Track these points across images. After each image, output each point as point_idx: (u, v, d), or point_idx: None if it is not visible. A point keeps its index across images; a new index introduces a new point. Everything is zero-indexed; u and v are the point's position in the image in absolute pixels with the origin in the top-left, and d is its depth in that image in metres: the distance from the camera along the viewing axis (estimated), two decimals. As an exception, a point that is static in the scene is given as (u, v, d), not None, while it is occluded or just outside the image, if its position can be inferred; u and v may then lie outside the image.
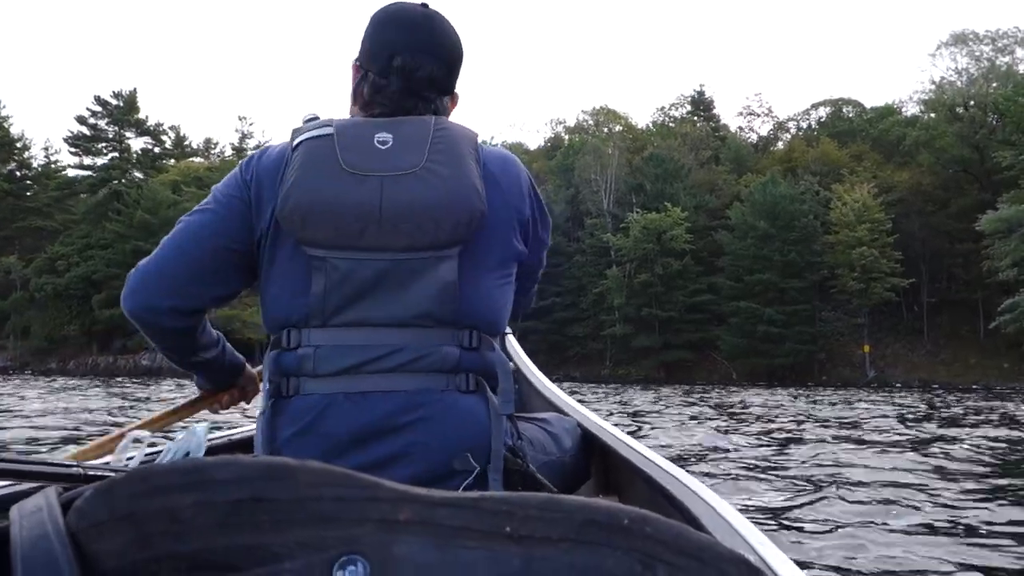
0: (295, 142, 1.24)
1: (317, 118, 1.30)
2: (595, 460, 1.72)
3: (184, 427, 1.29)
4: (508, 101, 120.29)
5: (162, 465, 0.46)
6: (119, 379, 31.84)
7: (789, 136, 55.97)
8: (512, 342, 2.51)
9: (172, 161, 54.82)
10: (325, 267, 1.19)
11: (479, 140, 1.30)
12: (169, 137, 57.89)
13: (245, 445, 1.82)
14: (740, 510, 1.07)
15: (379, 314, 1.19)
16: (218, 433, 1.88)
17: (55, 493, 0.50)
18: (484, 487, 1.18)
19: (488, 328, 1.26)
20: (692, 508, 1.08)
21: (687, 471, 1.30)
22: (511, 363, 1.34)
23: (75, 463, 0.97)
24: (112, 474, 0.78)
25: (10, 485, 1.11)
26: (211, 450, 1.58)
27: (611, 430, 1.72)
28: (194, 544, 0.44)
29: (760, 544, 0.89)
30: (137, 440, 1.25)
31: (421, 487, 0.47)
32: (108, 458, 1.32)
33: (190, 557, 0.44)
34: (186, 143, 58.34)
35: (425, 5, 1.36)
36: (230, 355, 1.56)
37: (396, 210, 1.16)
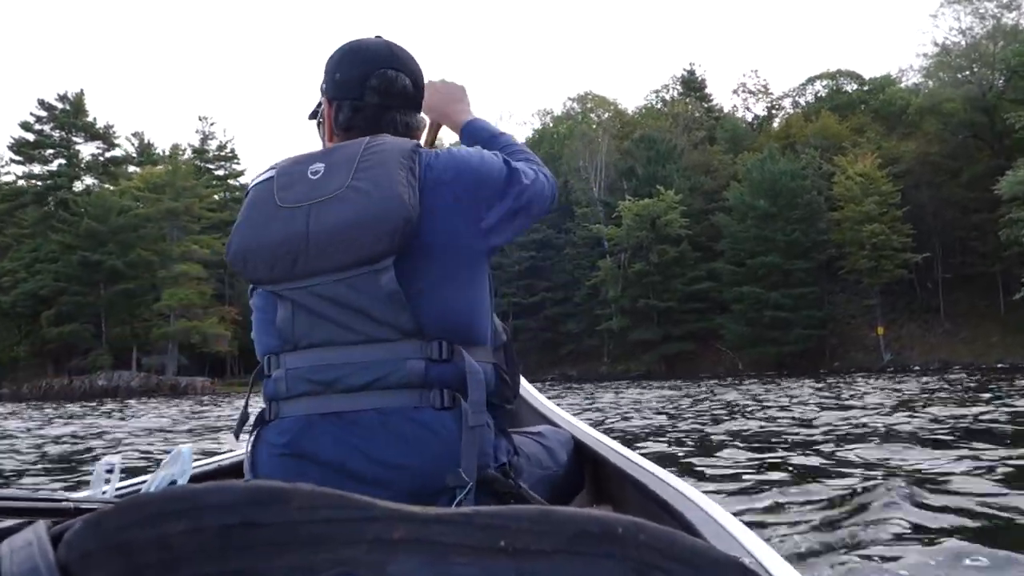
0: (247, 191, 1.35)
1: None
2: (588, 470, 1.77)
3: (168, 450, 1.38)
4: (494, 94, 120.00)
5: (151, 494, 0.47)
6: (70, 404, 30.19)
7: (786, 113, 55.38)
8: None
9: (136, 169, 53.05)
10: (282, 298, 1.28)
11: (416, 150, 1.33)
12: (132, 144, 56.42)
13: (235, 471, 1.85)
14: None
15: (341, 334, 1.26)
16: (207, 459, 1.91)
17: (45, 527, 0.50)
18: (475, 503, 1.21)
19: (460, 336, 1.28)
20: (686, 513, 1.11)
21: (680, 477, 1.35)
22: (481, 371, 1.29)
23: (64, 497, 1.02)
24: (101, 506, 0.82)
25: None
26: (201, 477, 1.64)
27: (604, 440, 1.78)
28: (185, 572, 0.44)
29: (755, 547, 0.92)
30: (109, 469, 1.28)
31: (412, 505, 0.48)
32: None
33: None
34: (153, 150, 56.60)
35: (379, 37, 1.51)
36: None
37: (321, 235, 1.23)
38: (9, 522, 1.07)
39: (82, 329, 44.92)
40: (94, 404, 24.61)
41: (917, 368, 33.53)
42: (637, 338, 42.47)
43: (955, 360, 35.12)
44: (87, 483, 1.37)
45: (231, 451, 2.06)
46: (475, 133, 1.66)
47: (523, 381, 2.49)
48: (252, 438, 1.31)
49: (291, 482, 0.48)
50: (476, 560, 0.45)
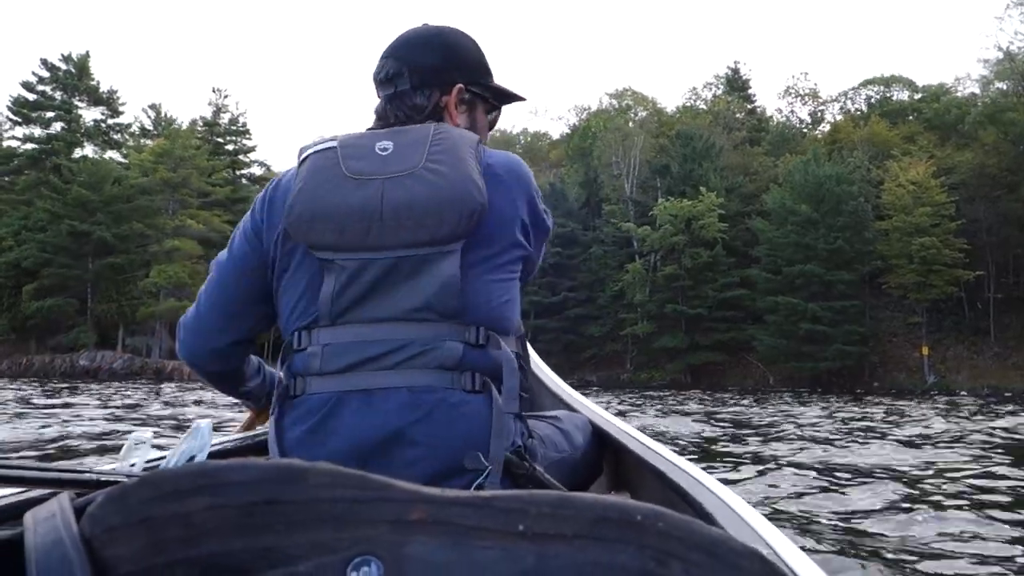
0: (301, 157, 1.42)
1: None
2: (606, 457, 1.85)
3: (187, 425, 1.45)
4: (531, 88, 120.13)
5: (174, 469, 0.49)
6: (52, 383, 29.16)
7: (833, 117, 54.88)
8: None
9: (148, 142, 52.23)
10: (334, 268, 1.32)
11: (479, 144, 1.43)
12: (148, 116, 55.90)
13: (256, 449, 1.92)
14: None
15: (385, 311, 1.31)
16: (228, 436, 1.96)
17: (68, 499, 0.53)
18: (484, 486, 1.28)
19: (495, 325, 1.36)
20: (704, 503, 1.16)
21: (699, 466, 1.40)
22: (517, 361, 1.40)
23: (87, 469, 1.08)
24: (125, 479, 0.87)
25: (23, 492, 1.20)
26: (221, 453, 1.71)
27: (622, 426, 1.83)
28: (208, 548, 0.46)
29: (773, 537, 0.97)
30: (140, 442, 1.36)
31: (432, 486, 0.51)
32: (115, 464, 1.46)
33: (203, 561, 0.47)
34: (172, 123, 55.85)
35: (425, 25, 1.60)
36: (267, 380, 1.77)
37: (397, 209, 1.30)
38: (34, 493, 1.13)
39: (65, 304, 43.90)
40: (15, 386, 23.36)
41: (964, 393, 32.55)
42: (662, 346, 41.62)
43: (1006, 386, 34.16)
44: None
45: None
46: None
47: (541, 364, 2.53)
48: (276, 414, 1.34)
49: (316, 460, 0.49)
50: (496, 543, 0.47)
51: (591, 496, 0.49)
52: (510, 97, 1.67)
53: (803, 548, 0.93)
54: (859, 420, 10.98)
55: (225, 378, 1.64)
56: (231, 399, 1.78)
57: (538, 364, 2.53)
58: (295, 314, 1.37)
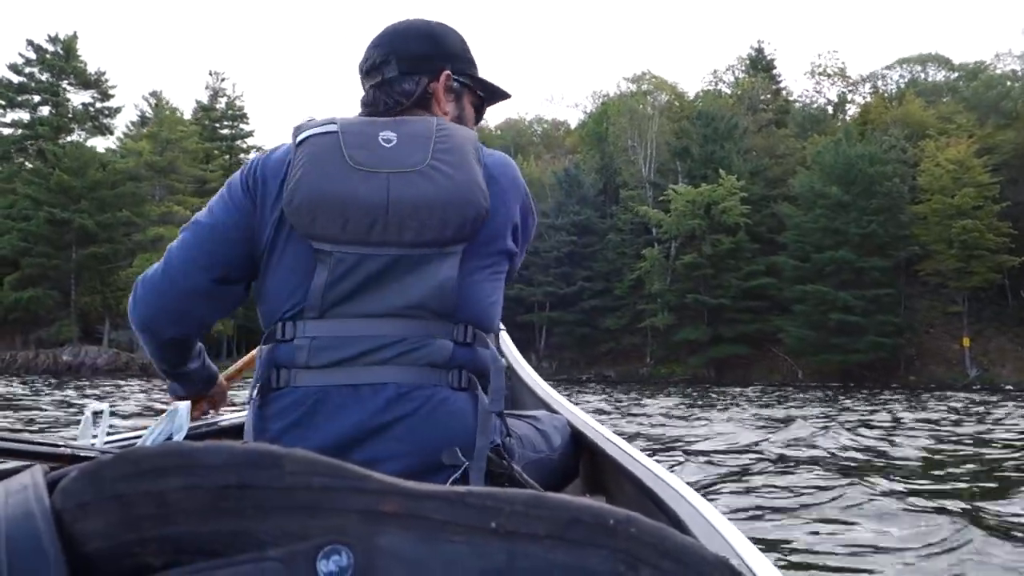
0: (299, 138, 1.41)
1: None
2: (583, 459, 1.90)
3: (165, 407, 1.49)
4: (548, 74, 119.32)
5: (150, 447, 0.50)
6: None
7: (864, 99, 53.55)
8: (504, 338, 2.73)
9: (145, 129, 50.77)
10: (330, 260, 1.33)
11: (478, 142, 1.45)
12: (149, 104, 54.54)
13: (231, 432, 1.95)
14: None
15: (378, 307, 1.33)
16: (205, 419, 2.00)
17: (41, 472, 0.53)
18: (469, 483, 1.31)
19: (482, 324, 1.39)
20: (678, 510, 1.20)
21: (674, 473, 1.45)
22: (503, 360, 1.47)
23: (62, 443, 1.09)
24: (100, 455, 0.88)
25: None
26: (197, 436, 1.73)
27: (600, 429, 1.87)
28: (180, 527, 0.47)
29: (744, 548, 1.00)
30: (98, 415, 1.35)
31: (409, 480, 0.51)
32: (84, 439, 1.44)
33: (175, 540, 0.47)
34: (178, 112, 54.42)
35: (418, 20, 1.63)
36: (208, 366, 1.75)
37: (402, 207, 1.32)
38: (7, 464, 1.12)
39: (46, 296, 42.42)
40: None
41: (1009, 387, 30.97)
42: (684, 338, 40.22)
43: (1053, 381, 32.50)
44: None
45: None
46: None
47: (523, 363, 2.71)
48: (256, 404, 1.34)
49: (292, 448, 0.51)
50: (467, 539, 0.48)
51: (565, 497, 0.50)
52: (495, 92, 1.66)
53: (775, 559, 0.95)
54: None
55: (178, 347, 1.56)
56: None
57: (520, 363, 2.65)
58: (280, 301, 1.36)
